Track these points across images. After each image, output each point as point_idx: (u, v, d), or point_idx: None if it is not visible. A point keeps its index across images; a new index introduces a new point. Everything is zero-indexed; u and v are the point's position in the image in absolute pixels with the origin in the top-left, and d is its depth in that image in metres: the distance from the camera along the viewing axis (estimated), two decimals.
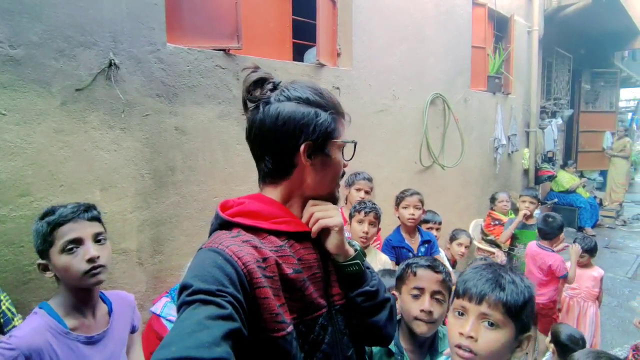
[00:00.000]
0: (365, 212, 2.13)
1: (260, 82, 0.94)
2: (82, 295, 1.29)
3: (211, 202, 2.36)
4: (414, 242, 2.54)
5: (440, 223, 3.09)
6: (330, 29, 3.22)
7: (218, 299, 0.72)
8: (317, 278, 0.94)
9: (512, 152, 5.93)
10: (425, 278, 1.40)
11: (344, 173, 1.02)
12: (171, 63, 2.17)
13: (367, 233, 2.13)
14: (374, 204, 2.22)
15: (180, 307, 0.73)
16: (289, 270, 0.87)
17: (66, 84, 1.83)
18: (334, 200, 1.00)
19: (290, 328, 0.83)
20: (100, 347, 1.29)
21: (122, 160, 2.03)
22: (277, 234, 0.90)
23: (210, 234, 0.93)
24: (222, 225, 0.91)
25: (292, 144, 0.90)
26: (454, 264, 3.47)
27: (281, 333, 0.82)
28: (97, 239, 1.28)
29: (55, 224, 1.22)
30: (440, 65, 4.27)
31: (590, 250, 3.17)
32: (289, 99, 0.91)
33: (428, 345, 1.43)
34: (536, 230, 3.55)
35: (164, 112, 2.16)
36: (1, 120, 1.70)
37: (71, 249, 1.22)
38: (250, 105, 0.93)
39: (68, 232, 1.22)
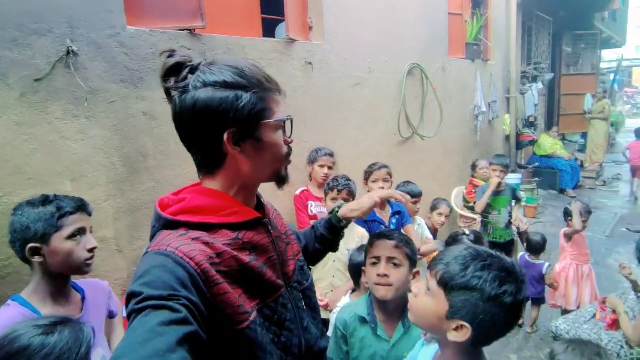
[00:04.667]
0: (339, 190, 2.15)
1: (176, 69, 0.86)
2: (60, 283, 1.36)
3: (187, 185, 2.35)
4: (385, 215, 2.58)
5: (420, 195, 3.13)
6: (300, 2, 3.15)
7: (171, 303, 0.69)
8: (274, 261, 0.95)
9: (493, 118, 5.97)
10: (380, 246, 1.49)
11: (289, 151, 0.97)
12: (133, 46, 2.12)
13: None
14: (348, 179, 2.24)
15: (130, 316, 0.69)
16: (247, 260, 0.86)
17: (24, 75, 1.78)
18: (280, 180, 0.97)
19: (253, 316, 0.85)
20: None
21: (91, 150, 2.01)
22: (229, 226, 0.88)
23: (153, 236, 0.88)
24: (166, 225, 0.86)
25: (214, 134, 0.84)
26: (434, 232, 3.55)
27: (246, 324, 0.82)
28: (91, 232, 1.42)
29: (66, 212, 1.32)
30: (416, 35, 4.22)
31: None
32: (205, 84, 0.83)
33: (399, 314, 1.50)
34: (508, 196, 3.66)
35: (131, 98, 2.13)
36: None
37: (77, 237, 1.34)
38: (173, 94, 0.86)
39: (77, 221, 1.34)
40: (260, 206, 1.02)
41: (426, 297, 1.02)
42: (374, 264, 1.49)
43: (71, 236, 1.32)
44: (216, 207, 0.88)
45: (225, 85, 0.83)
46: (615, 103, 14.90)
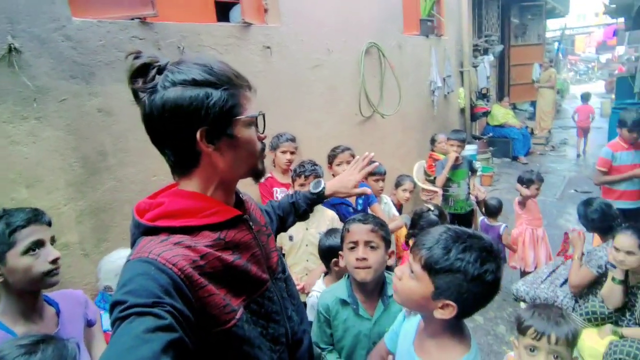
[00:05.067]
0: (306, 176, 2.17)
1: (143, 70, 0.84)
2: (29, 300, 1.30)
3: (150, 182, 2.29)
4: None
5: (384, 173, 3.20)
6: None
7: (156, 309, 0.69)
8: (257, 256, 0.97)
9: (448, 93, 6.13)
10: (357, 231, 1.53)
11: (263, 146, 0.98)
12: (81, 39, 2.00)
13: None
14: (314, 164, 2.25)
15: (114, 323, 0.69)
16: (230, 259, 0.87)
17: None
18: (257, 175, 0.98)
19: (239, 313, 0.86)
20: None
21: (45, 152, 1.91)
22: (210, 227, 0.87)
23: (133, 243, 0.86)
24: (146, 232, 0.84)
25: (186, 133, 0.83)
26: (399, 208, 3.67)
27: (233, 322, 0.84)
28: (52, 242, 1.34)
29: (17, 226, 1.24)
30: (372, 14, 4.22)
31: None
32: (174, 83, 0.82)
33: (378, 292, 1.57)
34: (466, 168, 3.82)
35: (83, 95, 2.02)
36: None
37: (34, 250, 1.26)
38: (141, 95, 0.84)
39: (31, 234, 1.26)
40: (239, 203, 1.02)
41: (410, 280, 1.05)
42: (352, 248, 1.53)
43: (27, 251, 1.24)
44: (196, 209, 0.87)
45: (194, 83, 0.82)
46: (560, 71, 15.66)
